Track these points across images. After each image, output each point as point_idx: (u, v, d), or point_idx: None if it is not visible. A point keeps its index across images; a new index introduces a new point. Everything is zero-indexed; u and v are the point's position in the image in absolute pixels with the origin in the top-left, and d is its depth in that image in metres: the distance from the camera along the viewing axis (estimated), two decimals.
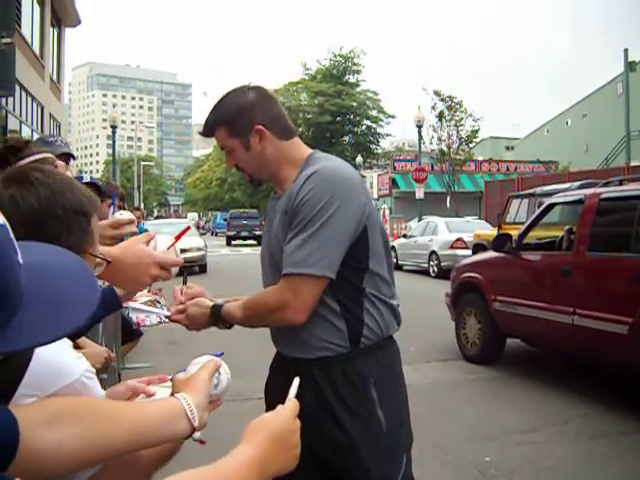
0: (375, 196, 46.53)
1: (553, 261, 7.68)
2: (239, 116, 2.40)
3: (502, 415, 6.61)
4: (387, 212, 38.30)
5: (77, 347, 3.03)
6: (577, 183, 14.09)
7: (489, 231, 18.93)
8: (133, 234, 2.40)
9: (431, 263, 20.58)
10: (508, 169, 47.13)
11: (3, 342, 0.81)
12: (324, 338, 2.35)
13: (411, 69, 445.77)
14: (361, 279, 2.35)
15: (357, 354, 2.35)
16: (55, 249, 1.07)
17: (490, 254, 8.92)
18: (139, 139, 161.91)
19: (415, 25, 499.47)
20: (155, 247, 2.09)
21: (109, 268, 1.89)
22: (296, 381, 1.47)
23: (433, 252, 20.42)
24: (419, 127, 33.10)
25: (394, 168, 47.10)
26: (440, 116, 37.56)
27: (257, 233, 40.99)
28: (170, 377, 1.86)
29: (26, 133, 21.39)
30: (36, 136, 15.22)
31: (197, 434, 1.45)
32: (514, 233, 8.75)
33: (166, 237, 2.22)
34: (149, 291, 5.80)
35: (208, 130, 2.49)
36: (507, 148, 65.85)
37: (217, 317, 2.51)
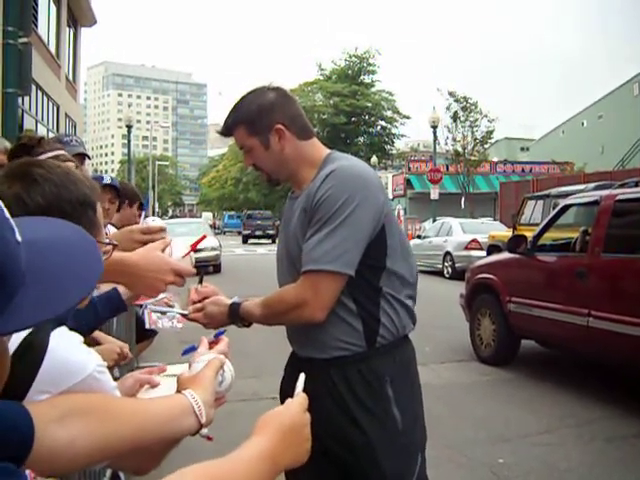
0: (390, 197, 46.36)
1: (568, 262, 7.64)
2: (259, 115, 2.41)
3: (516, 417, 6.58)
4: (402, 213, 38.19)
5: (96, 343, 3.04)
6: (592, 184, 13.99)
7: (504, 232, 18.85)
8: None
9: (445, 264, 20.53)
10: (523, 170, 46.94)
11: (5, 323, 0.80)
12: (340, 338, 2.35)
13: (426, 70, 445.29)
14: (378, 278, 2.36)
15: (373, 353, 2.36)
16: (54, 222, 1.06)
17: (505, 255, 8.90)
18: (154, 139, 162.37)
19: (431, 26, 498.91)
20: (171, 254, 2.12)
21: (127, 273, 1.95)
22: (302, 376, 1.48)
23: (447, 253, 20.37)
24: (434, 128, 33.02)
25: (409, 169, 47.07)
26: (455, 117, 37.52)
27: (270, 232, 45.00)
28: (167, 365, 1.91)
29: (42, 132, 21.48)
30: (52, 135, 15.26)
31: (204, 430, 1.47)
32: (529, 234, 8.73)
33: (182, 244, 2.25)
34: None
35: (227, 129, 2.50)
36: (522, 149, 65.72)
37: (235, 315, 2.51)
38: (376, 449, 2.30)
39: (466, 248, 19.53)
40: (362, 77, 64.80)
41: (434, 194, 31.16)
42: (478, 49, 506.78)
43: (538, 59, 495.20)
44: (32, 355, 1.29)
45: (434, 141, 34.50)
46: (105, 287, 3.04)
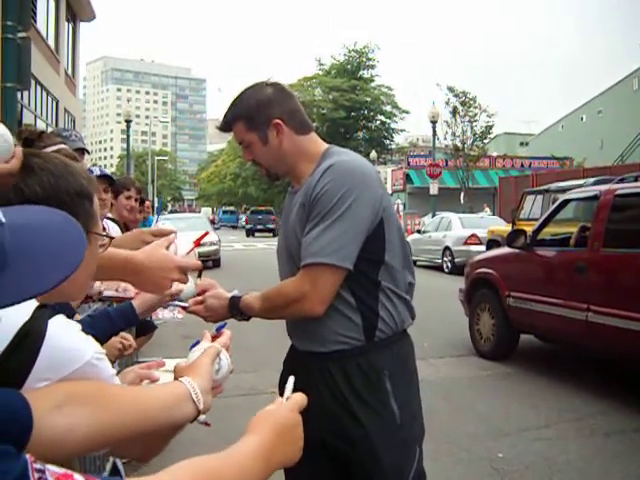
0: (389, 191, 46.43)
1: (567, 257, 7.65)
2: (257, 111, 2.43)
3: (515, 411, 6.59)
4: (401, 207, 38.17)
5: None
6: (592, 179, 14.01)
7: (503, 227, 18.87)
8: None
9: (445, 259, 20.56)
10: (522, 165, 46.96)
11: None
12: (339, 332, 2.36)
13: (427, 66, 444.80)
14: (377, 272, 2.37)
15: (372, 347, 2.37)
16: (40, 208, 1.07)
17: (504, 250, 8.92)
18: (153, 134, 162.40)
19: (429, 21, 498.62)
20: (175, 252, 2.16)
21: (133, 271, 1.99)
22: (291, 379, 1.49)
23: (447, 248, 20.39)
24: (433, 123, 32.97)
25: (408, 164, 47.08)
26: (454, 112, 37.51)
27: (270, 226, 48.69)
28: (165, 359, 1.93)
29: (41, 127, 21.46)
30: (51, 130, 15.24)
31: (202, 417, 1.49)
32: (528, 229, 8.73)
33: (185, 241, 2.28)
34: None
35: (226, 125, 2.52)
36: (521, 144, 65.69)
37: (235, 308, 2.53)
38: (374, 442, 2.31)
39: (465, 243, 19.55)
40: (361, 72, 64.68)
41: (433, 189, 31.13)
42: (478, 45, 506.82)
43: (538, 55, 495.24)
44: (29, 343, 1.29)
45: (433, 136, 34.42)
46: (110, 284, 3.05)
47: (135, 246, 2.24)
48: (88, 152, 4.87)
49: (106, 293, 3.04)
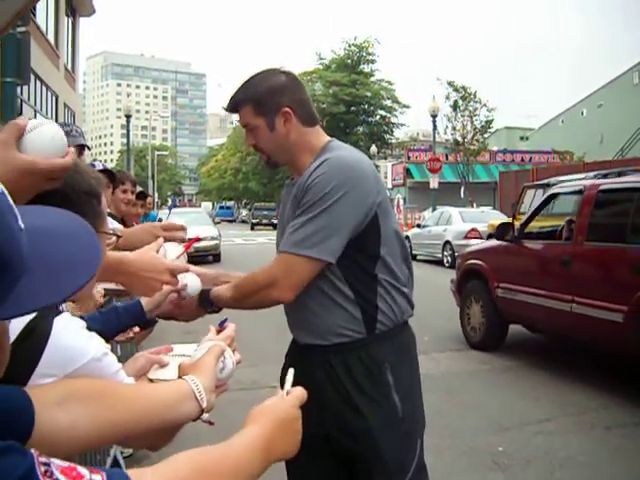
0: (389, 186, 46.40)
1: (553, 250, 7.88)
2: (268, 96, 2.41)
3: (517, 405, 6.60)
4: (401, 202, 38.15)
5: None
6: (592, 174, 13.98)
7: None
8: (182, 240, 2.50)
9: (445, 253, 20.54)
10: (523, 159, 46.88)
11: (6, 308, 0.81)
12: (340, 324, 2.36)
13: (427, 61, 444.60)
14: (373, 266, 2.37)
15: (373, 340, 2.37)
16: (57, 211, 1.06)
17: (494, 242, 9.07)
18: (153, 128, 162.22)
19: (429, 17, 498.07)
20: (165, 255, 2.21)
21: (124, 272, 2.04)
22: (291, 371, 1.50)
23: (447, 242, 20.37)
24: (433, 117, 32.95)
25: (408, 158, 47.01)
26: (454, 106, 37.47)
27: (272, 221, 49.66)
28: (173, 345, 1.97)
29: None
30: None
31: (205, 415, 1.49)
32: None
33: (175, 246, 2.33)
34: None
35: (234, 105, 2.49)
36: (522, 138, 65.55)
37: (206, 301, 2.51)
38: (376, 435, 2.31)
39: (466, 237, 19.51)
40: (361, 66, 64.48)
41: (433, 183, 31.11)
42: (478, 40, 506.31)
43: (538, 50, 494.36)
44: (35, 340, 1.31)
45: (434, 130, 34.41)
46: (104, 285, 3.06)
47: (146, 239, 2.31)
48: (89, 148, 4.87)
49: (106, 286, 3.04)
